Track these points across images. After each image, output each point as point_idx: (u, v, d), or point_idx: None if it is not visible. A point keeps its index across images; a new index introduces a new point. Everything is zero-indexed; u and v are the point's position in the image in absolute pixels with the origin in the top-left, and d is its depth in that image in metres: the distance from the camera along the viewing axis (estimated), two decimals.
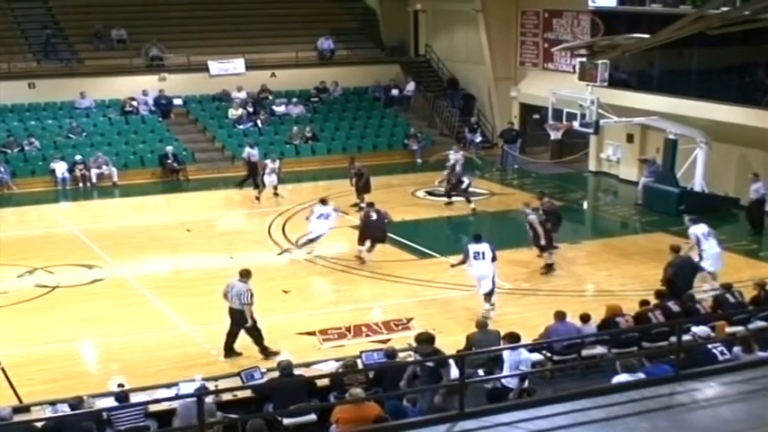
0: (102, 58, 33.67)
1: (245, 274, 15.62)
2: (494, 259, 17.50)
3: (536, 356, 14.00)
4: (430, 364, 12.04)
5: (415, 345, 13.01)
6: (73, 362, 15.77)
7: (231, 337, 15.56)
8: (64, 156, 29.77)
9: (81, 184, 29.20)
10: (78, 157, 29.50)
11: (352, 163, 26.38)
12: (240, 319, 15.41)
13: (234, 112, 33.30)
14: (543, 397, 9.17)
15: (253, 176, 28.21)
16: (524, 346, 13.94)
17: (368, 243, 20.71)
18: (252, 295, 15.36)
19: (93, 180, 29.33)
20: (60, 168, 29.21)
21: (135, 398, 12.56)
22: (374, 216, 20.72)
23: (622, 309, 14.75)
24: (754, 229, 23.21)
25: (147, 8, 35.96)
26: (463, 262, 17.78)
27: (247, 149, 29.12)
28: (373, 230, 20.69)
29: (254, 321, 15.47)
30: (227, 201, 27.98)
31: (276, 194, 26.95)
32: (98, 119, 32.35)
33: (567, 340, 14.05)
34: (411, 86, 35.89)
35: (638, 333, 14.37)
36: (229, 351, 15.55)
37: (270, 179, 26.82)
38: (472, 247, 17.61)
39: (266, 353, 15.37)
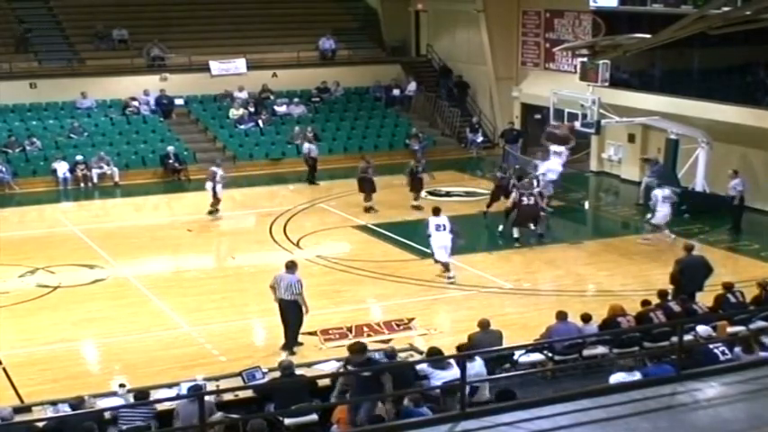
0: (103, 58, 33.69)
1: (290, 266, 15.78)
2: (452, 231, 19.40)
3: (537, 356, 14.04)
4: (366, 374, 11.76)
5: (348, 355, 12.70)
6: (74, 362, 15.79)
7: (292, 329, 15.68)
8: (65, 156, 29.79)
9: (82, 184, 29.21)
10: (79, 158, 29.51)
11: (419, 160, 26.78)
12: (293, 310, 15.55)
13: (234, 112, 33.31)
14: (545, 397, 9.16)
15: (312, 171, 29.24)
16: (525, 346, 13.98)
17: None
18: (302, 285, 15.56)
19: (95, 180, 29.33)
20: (62, 168, 29.22)
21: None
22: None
23: (624, 309, 14.74)
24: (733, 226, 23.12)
25: (148, 8, 35.97)
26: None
27: (306, 145, 29.69)
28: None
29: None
30: (228, 201, 27.95)
31: (215, 210, 25.01)
32: (99, 119, 32.36)
33: (568, 340, 14.04)
34: (412, 86, 35.89)
35: (640, 333, 14.36)
36: (294, 341, 15.71)
37: (219, 189, 24.94)
38: (433, 220, 19.58)
39: (288, 348, 15.47)
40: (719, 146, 25.05)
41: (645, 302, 15.10)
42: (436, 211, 19.97)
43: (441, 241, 19.45)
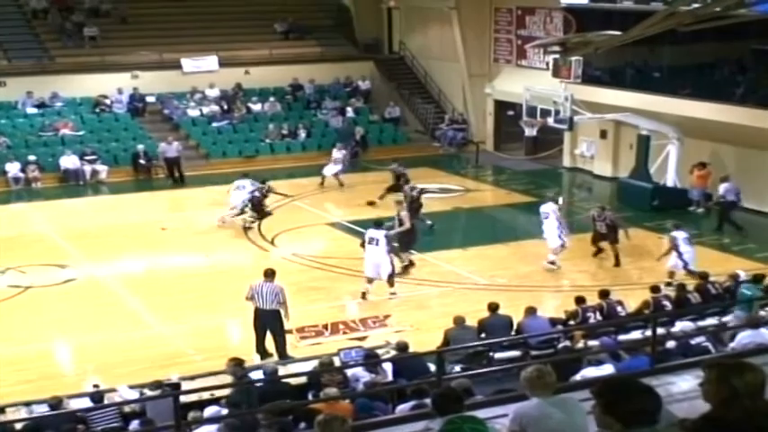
0: (73, 56, 33.43)
1: (270, 274, 15.36)
2: (387, 244, 18.07)
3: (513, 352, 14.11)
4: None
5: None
6: (48, 362, 15.68)
7: (262, 336, 15.28)
8: (37, 155, 29.53)
9: (33, 185, 28.77)
10: (32, 158, 29.13)
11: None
12: (275, 319, 15.18)
13: (191, 113, 33.00)
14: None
15: (171, 174, 28.79)
16: (498, 342, 14.02)
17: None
18: (285, 293, 15.20)
19: (88, 178, 29.16)
20: (13, 168, 28.81)
21: (109, 398, 12.49)
22: None
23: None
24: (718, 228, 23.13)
25: (118, 5, 35.70)
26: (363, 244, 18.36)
27: (162, 145, 29.28)
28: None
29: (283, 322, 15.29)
30: (201, 199, 27.87)
31: None
32: (70, 117, 32.10)
33: (544, 335, 14.11)
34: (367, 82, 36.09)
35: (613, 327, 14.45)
36: (263, 351, 15.29)
37: None
38: (369, 233, 18.32)
39: (284, 357, 15.09)
40: (690, 141, 25.24)
41: (579, 299, 15.13)
42: (377, 224, 18.67)
43: (373, 257, 18.14)
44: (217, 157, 31.42)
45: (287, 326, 15.43)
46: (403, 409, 10.58)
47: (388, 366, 12.81)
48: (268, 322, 15.20)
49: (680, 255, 18.27)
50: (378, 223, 18.77)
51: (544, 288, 18.67)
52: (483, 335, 14.07)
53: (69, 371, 15.59)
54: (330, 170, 28.16)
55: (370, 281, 18.20)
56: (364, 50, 37.39)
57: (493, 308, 14.39)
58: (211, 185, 28.84)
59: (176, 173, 29.26)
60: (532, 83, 27.04)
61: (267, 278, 15.34)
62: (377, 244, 18.09)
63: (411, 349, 13.22)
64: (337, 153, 28.68)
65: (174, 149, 29.27)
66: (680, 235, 18.64)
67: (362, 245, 18.54)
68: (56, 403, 11.50)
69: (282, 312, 15.21)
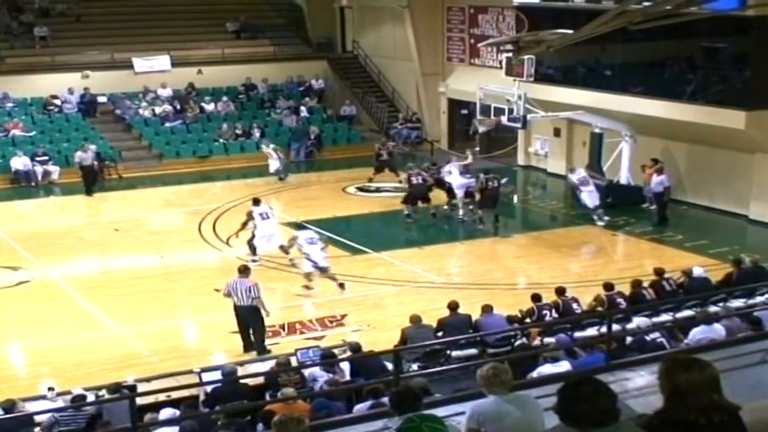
0: (23, 56, 32.99)
1: (244, 270, 15.58)
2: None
3: (471, 350, 14.18)
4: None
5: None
6: (1, 365, 15.44)
7: (245, 333, 15.40)
8: None
9: None
10: None
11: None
12: (254, 315, 15.31)
13: (142, 113, 32.64)
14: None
15: (90, 182, 27.58)
16: (455, 340, 14.08)
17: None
18: (260, 288, 15.35)
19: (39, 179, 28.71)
20: None
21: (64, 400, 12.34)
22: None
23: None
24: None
25: (69, 5, 35.29)
26: (246, 224, 19.76)
27: (79, 153, 28.16)
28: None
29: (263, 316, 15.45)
30: (155, 199, 27.64)
31: None
32: (21, 117, 31.65)
33: (500, 333, 14.19)
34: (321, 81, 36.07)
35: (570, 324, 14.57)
36: (250, 346, 15.35)
37: None
38: (257, 210, 19.71)
39: (261, 351, 15.19)
40: (642, 139, 25.52)
41: (535, 297, 15.26)
42: (256, 201, 20.13)
43: (267, 230, 19.59)
44: (170, 157, 31.17)
45: (267, 321, 15.63)
46: (361, 408, 10.58)
47: (345, 366, 12.82)
48: (247, 317, 15.37)
49: (307, 255, 18.36)
50: (256, 200, 20.32)
51: (500, 286, 18.75)
52: (440, 333, 14.13)
53: (23, 374, 15.38)
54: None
55: (254, 251, 19.71)
56: (317, 49, 37.35)
57: (452, 307, 14.46)
58: (165, 186, 28.63)
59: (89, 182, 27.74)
60: (486, 81, 27.16)
61: (241, 275, 15.51)
62: (269, 216, 19.68)
63: (368, 348, 13.26)
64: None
65: (90, 157, 28.02)
66: (302, 235, 18.86)
67: (241, 229, 20.09)
68: (9, 406, 11.36)
69: (260, 307, 15.37)
